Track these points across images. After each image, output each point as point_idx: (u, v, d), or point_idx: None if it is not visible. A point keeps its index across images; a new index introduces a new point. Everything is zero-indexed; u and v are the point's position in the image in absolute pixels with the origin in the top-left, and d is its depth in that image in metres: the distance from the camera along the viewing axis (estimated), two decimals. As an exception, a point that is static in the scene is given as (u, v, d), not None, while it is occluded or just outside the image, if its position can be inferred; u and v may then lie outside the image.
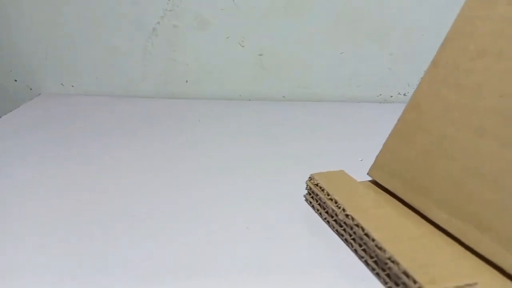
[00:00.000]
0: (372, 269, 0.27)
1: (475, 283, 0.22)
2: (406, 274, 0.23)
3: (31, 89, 0.68)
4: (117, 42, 0.65)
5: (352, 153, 0.45)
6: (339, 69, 0.66)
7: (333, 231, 0.32)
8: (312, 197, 0.35)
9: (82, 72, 0.66)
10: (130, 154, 0.45)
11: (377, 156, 0.37)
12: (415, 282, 0.22)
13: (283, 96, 0.68)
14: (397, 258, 0.24)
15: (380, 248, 0.25)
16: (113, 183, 0.39)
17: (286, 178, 0.40)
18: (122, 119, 0.56)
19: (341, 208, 0.30)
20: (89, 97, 0.65)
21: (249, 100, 0.67)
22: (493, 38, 0.31)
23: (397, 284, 0.24)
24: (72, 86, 0.67)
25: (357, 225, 0.28)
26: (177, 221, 0.33)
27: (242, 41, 0.65)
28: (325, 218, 0.33)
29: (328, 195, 0.32)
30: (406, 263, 0.23)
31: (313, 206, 0.35)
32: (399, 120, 0.37)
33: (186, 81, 0.67)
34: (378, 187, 0.36)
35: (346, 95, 0.68)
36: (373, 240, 0.26)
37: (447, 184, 0.30)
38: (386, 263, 0.25)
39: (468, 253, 0.27)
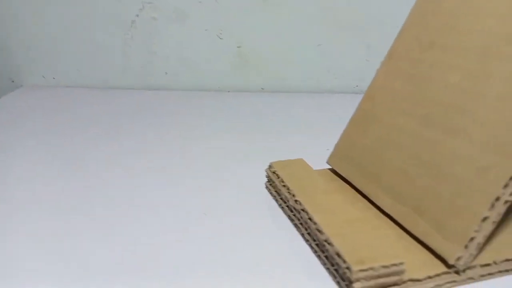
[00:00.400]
0: (315, 252, 0.28)
1: (401, 263, 0.23)
2: (338, 254, 0.24)
3: (13, 81, 0.68)
4: (97, 35, 0.65)
5: (325, 143, 0.46)
6: (317, 60, 0.67)
7: (286, 216, 0.33)
8: (270, 185, 0.36)
9: (63, 65, 0.67)
10: (105, 147, 0.46)
11: (335, 145, 0.38)
12: (344, 262, 0.23)
13: (262, 88, 0.69)
14: (332, 240, 0.25)
15: (319, 231, 0.26)
16: (94, 176, 0.40)
17: (254, 167, 0.40)
18: (101, 111, 0.57)
19: (292, 194, 0.31)
20: (70, 89, 0.66)
21: (228, 91, 0.68)
22: (440, 31, 0.32)
23: (332, 265, 0.25)
24: (54, 78, 0.68)
25: (303, 210, 0.29)
26: (138, 209, 0.34)
27: (221, 33, 0.66)
28: (280, 204, 0.34)
29: (283, 182, 0.33)
30: (339, 245, 0.24)
31: (271, 193, 0.36)
32: (356, 109, 0.38)
33: (166, 73, 0.68)
34: (336, 175, 0.37)
35: (323, 87, 0.69)
36: (315, 223, 0.27)
37: (393, 171, 0.31)
38: (324, 245, 0.26)
39: (406, 236, 0.28)
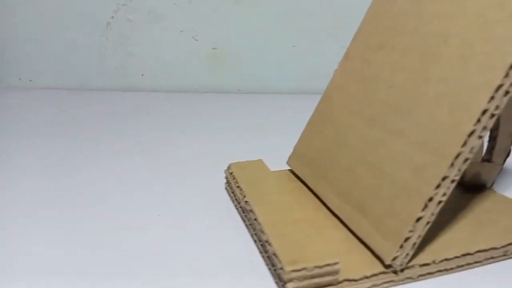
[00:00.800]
0: (260, 252, 0.28)
1: (336, 263, 0.23)
2: (275, 254, 0.24)
3: (-11, 83, 0.69)
4: (73, 37, 0.65)
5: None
6: (293, 61, 0.67)
7: (240, 217, 0.33)
8: (228, 186, 0.36)
9: (39, 67, 0.67)
10: (74, 148, 0.46)
11: (294, 146, 0.39)
12: (279, 262, 0.23)
13: (239, 90, 0.69)
14: (272, 240, 0.25)
15: (262, 231, 0.27)
16: (65, 176, 0.40)
17: (219, 168, 0.40)
18: (77, 113, 0.57)
19: (243, 195, 0.32)
20: (46, 91, 0.66)
21: (206, 92, 0.68)
22: (389, 33, 0.32)
23: (272, 265, 0.26)
24: (30, 80, 0.68)
25: (251, 210, 0.29)
26: (95, 208, 0.34)
27: (196, 35, 0.66)
28: (236, 205, 0.34)
29: (237, 183, 0.34)
30: (277, 245, 0.25)
31: (229, 195, 0.36)
32: (314, 110, 0.38)
33: (142, 74, 0.68)
34: (295, 176, 0.38)
35: (301, 88, 0.69)
36: (259, 224, 0.27)
37: (342, 171, 0.31)
38: (265, 245, 0.26)
39: (351, 237, 0.28)
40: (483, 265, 0.27)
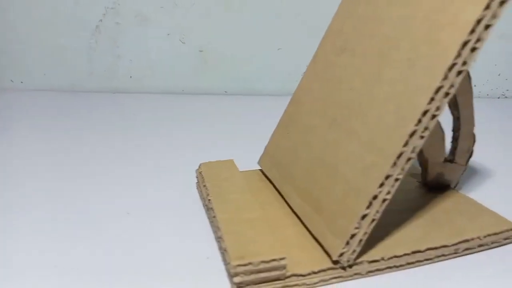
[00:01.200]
0: (219, 249, 0.29)
1: (282, 258, 0.24)
2: (225, 250, 0.25)
3: (-18, 85, 0.70)
4: (62, 40, 0.67)
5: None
6: (279, 64, 0.68)
7: (207, 216, 0.34)
8: (197, 185, 0.37)
9: (30, 69, 0.69)
10: (54, 148, 0.48)
11: (265, 146, 0.40)
12: (228, 257, 0.24)
13: (225, 91, 0.70)
14: (224, 236, 0.26)
15: (218, 228, 0.28)
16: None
17: (194, 168, 0.41)
18: (64, 114, 0.59)
19: (207, 193, 0.32)
20: (37, 92, 0.68)
21: (192, 94, 0.69)
22: (351, 36, 0.33)
23: (226, 261, 0.26)
24: (21, 82, 0.70)
25: (211, 208, 0.30)
26: (65, 206, 0.35)
27: (183, 38, 0.67)
28: (203, 204, 0.35)
29: (204, 182, 0.35)
30: (228, 241, 0.26)
31: (199, 193, 0.37)
32: (284, 112, 0.39)
33: (130, 76, 0.69)
34: (265, 176, 0.38)
35: (286, 89, 0.70)
36: (217, 221, 0.28)
37: (303, 171, 0.32)
38: (219, 242, 0.27)
39: (307, 235, 0.29)
40: (434, 262, 0.28)
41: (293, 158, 0.34)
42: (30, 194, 0.37)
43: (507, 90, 0.72)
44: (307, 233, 0.29)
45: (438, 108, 0.24)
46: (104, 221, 0.33)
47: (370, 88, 0.28)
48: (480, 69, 0.70)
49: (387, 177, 0.24)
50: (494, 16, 0.23)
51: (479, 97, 0.71)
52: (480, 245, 0.29)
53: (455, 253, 0.28)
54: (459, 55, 0.23)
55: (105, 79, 0.69)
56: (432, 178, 0.35)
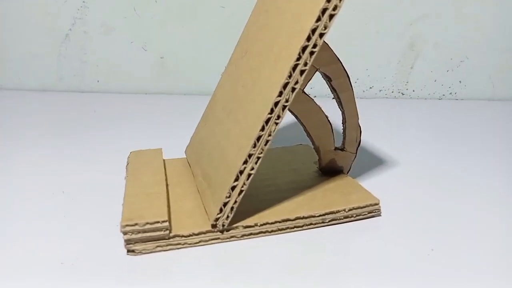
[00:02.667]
0: (128, 219, 0.35)
1: (165, 221, 0.30)
2: (122, 215, 0.31)
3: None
4: (35, 47, 0.73)
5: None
6: (234, 69, 0.74)
7: (130, 195, 0.40)
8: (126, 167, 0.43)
9: (6, 74, 0.75)
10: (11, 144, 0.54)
11: (191, 137, 0.45)
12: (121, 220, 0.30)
13: (184, 94, 0.76)
14: (124, 205, 0.32)
15: (123, 200, 0.33)
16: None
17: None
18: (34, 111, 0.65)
19: (126, 174, 0.38)
20: (12, 92, 0.74)
21: (153, 94, 0.75)
22: (251, 40, 0.39)
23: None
24: (-3, 85, 0.76)
25: (125, 185, 0.36)
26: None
27: (145, 45, 0.74)
28: (128, 185, 0.41)
29: (127, 165, 0.40)
30: (125, 208, 0.31)
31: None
32: (206, 106, 0.45)
33: (98, 81, 0.75)
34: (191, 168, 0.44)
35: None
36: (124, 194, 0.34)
37: (208, 156, 0.38)
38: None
39: (201, 207, 0.34)
40: (304, 230, 0.34)
41: (204, 145, 0.40)
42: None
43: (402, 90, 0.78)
44: (202, 205, 0.35)
45: (287, 100, 0.30)
46: (32, 202, 0.39)
47: (252, 85, 0.34)
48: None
49: (250, 155, 0.30)
50: (325, 27, 0.28)
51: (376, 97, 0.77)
52: (346, 217, 0.35)
53: (322, 222, 0.34)
54: (299, 57, 0.29)
55: (74, 83, 0.75)
56: (326, 164, 0.41)
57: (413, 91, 0.76)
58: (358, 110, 0.39)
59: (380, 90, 0.75)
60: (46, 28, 0.72)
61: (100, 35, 0.73)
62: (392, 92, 0.76)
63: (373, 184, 0.41)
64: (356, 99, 0.39)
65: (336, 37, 0.71)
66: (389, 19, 0.72)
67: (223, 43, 0.72)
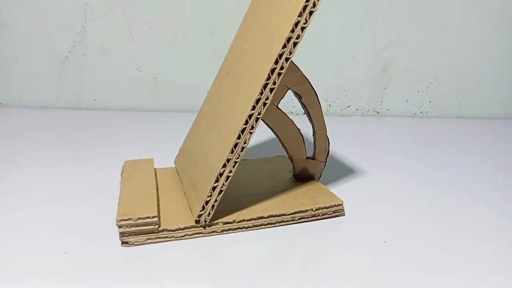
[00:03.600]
0: (122, 217, 0.39)
1: (154, 216, 0.35)
2: (117, 212, 0.36)
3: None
4: (36, 67, 0.79)
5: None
6: (222, 89, 0.80)
7: (124, 199, 0.44)
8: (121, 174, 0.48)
9: (8, 92, 0.80)
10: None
11: (180, 148, 0.50)
12: (117, 216, 0.35)
13: (175, 112, 0.82)
14: (119, 204, 0.37)
15: (119, 199, 0.38)
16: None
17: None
18: (34, 127, 0.69)
19: (121, 179, 0.43)
20: (13, 109, 0.79)
21: (147, 111, 0.81)
22: (233, 62, 0.45)
23: (121, 222, 0.37)
24: (0, 103, 0.81)
25: (120, 188, 0.41)
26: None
27: (140, 67, 0.79)
28: (123, 191, 0.46)
29: (122, 171, 0.45)
30: (120, 206, 0.36)
31: (123, 184, 0.48)
32: (194, 121, 0.50)
33: (94, 99, 0.81)
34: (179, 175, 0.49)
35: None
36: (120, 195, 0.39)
37: (193, 163, 0.43)
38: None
39: (187, 207, 0.39)
40: (276, 226, 0.39)
41: (191, 155, 0.45)
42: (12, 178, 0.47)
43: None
44: (187, 206, 0.40)
45: (259, 113, 0.35)
46: (37, 204, 0.43)
47: (231, 100, 0.40)
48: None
49: (228, 160, 0.35)
50: (290, 52, 0.34)
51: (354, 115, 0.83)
52: (313, 215, 0.40)
53: (292, 220, 0.39)
54: (269, 77, 0.34)
55: (72, 102, 0.81)
56: (299, 172, 0.46)
57: (387, 110, 0.82)
58: (330, 126, 0.45)
59: (357, 109, 0.82)
60: (48, 50, 0.78)
61: (98, 57, 0.79)
62: (368, 111, 0.82)
63: (341, 189, 0.47)
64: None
65: (316, 61, 0.78)
66: (364, 45, 0.79)
67: (211, 65, 0.78)
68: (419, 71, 0.80)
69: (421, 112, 0.83)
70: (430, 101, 0.82)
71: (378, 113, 0.83)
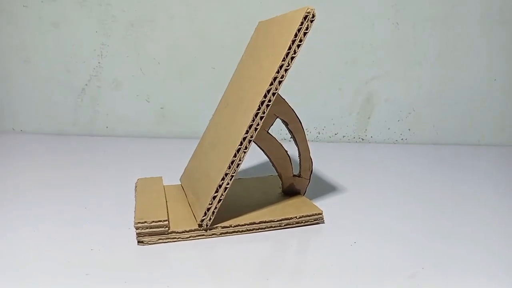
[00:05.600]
0: (137, 224, 0.47)
1: (165, 220, 0.42)
2: (134, 217, 0.43)
3: (-10, 132, 0.90)
4: (55, 98, 0.88)
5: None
6: (222, 118, 0.89)
7: (137, 210, 0.52)
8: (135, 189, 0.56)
9: (28, 120, 0.89)
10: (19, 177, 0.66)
11: (185, 167, 0.58)
12: (135, 219, 0.42)
13: (180, 138, 0.90)
14: (136, 212, 0.44)
15: (135, 208, 0.46)
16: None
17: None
18: (51, 152, 0.77)
19: (135, 194, 0.51)
20: (32, 136, 0.87)
21: (155, 138, 0.89)
22: (231, 94, 0.53)
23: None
24: (21, 130, 0.89)
25: (135, 199, 0.49)
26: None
27: (148, 98, 0.89)
28: (136, 204, 0.53)
29: (136, 187, 0.53)
30: (137, 213, 0.44)
31: (136, 199, 0.55)
32: (197, 145, 0.58)
33: (107, 127, 0.89)
34: (184, 190, 0.57)
35: (227, 137, 0.90)
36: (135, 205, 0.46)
37: (197, 178, 0.51)
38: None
39: (191, 215, 0.47)
40: (266, 231, 0.46)
41: (194, 172, 0.53)
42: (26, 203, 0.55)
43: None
44: (192, 214, 0.47)
45: (251, 136, 0.43)
46: (65, 214, 0.51)
47: (229, 127, 0.48)
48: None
49: (226, 174, 0.43)
50: (276, 88, 0.43)
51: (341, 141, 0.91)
52: (297, 222, 0.47)
53: (280, 226, 0.47)
54: (259, 108, 0.43)
55: (87, 129, 0.89)
56: (287, 187, 0.54)
57: (371, 137, 0.91)
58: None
59: (343, 136, 0.90)
60: (67, 83, 0.87)
61: (111, 90, 0.88)
62: (354, 137, 0.91)
63: (323, 202, 0.54)
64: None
65: (306, 93, 0.87)
66: (349, 79, 0.88)
67: (212, 96, 0.88)
68: (399, 102, 0.90)
69: (402, 139, 0.91)
70: (409, 129, 0.91)
71: (363, 140, 0.91)
